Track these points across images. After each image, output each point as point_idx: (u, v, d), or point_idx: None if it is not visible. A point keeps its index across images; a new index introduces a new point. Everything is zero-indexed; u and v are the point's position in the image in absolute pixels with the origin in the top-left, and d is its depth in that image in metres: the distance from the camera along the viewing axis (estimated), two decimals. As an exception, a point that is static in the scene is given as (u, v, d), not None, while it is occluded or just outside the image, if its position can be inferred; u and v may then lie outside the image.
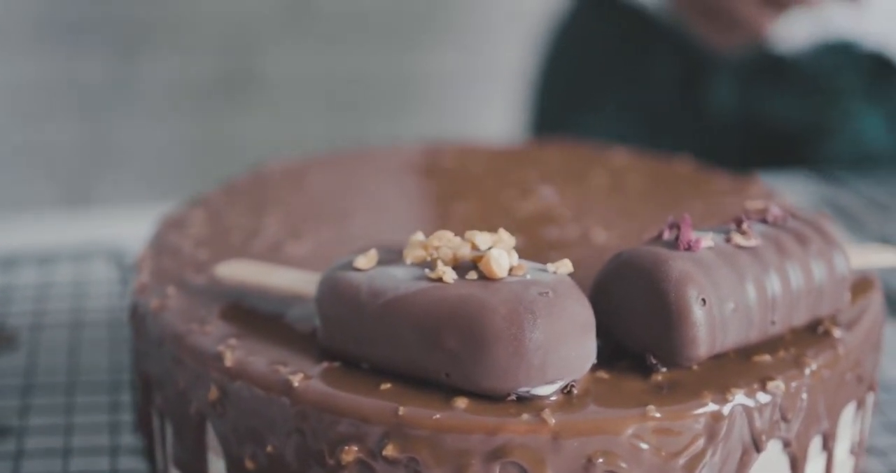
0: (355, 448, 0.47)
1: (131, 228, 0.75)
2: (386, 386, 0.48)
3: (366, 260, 0.50)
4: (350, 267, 0.50)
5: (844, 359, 0.52)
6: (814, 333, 0.53)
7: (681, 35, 1.03)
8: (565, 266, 0.49)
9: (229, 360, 0.50)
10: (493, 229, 0.51)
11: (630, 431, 0.46)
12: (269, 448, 0.49)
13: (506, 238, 0.49)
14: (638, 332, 0.49)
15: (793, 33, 1.00)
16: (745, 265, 0.50)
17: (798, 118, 1.03)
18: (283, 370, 0.49)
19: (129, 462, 0.61)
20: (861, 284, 0.57)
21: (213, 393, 0.50)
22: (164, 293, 0.56)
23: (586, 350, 0.47)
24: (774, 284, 0.50)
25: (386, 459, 0.46)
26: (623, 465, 0.46)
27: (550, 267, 0.49)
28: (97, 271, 0.80)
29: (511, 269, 0.48)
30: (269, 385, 0.49)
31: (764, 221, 0.53)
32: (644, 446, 0.46)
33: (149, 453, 0.58)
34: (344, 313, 0.49)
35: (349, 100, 1.79)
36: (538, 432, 0.46)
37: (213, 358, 0.50)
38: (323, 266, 0.53)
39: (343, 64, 1.77)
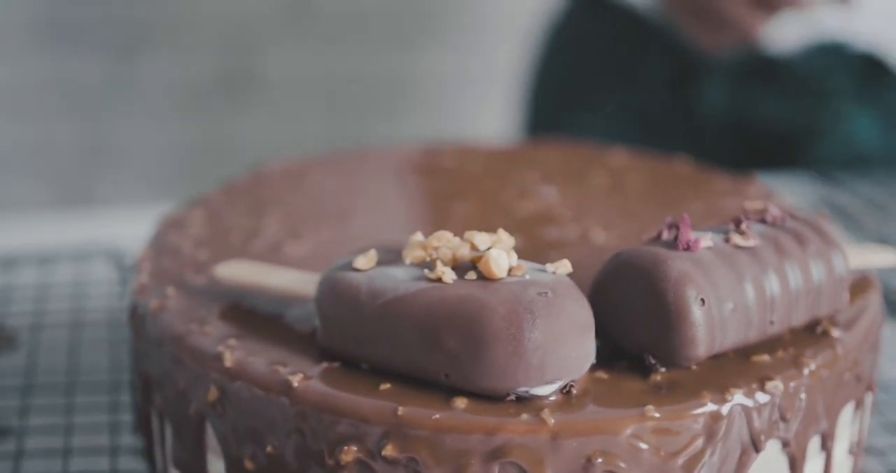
0: (355, 449, 0.47)
1: (131, 228, 0.75)
2: (385, 386, 0.48)
3: (365, 261, 0.50)
4: (349, 267, 0.50)
5: (843, 359, 0.52)
6: (812, 333, 0.53)
7: (672, 36, 1.03)
8: (564, 266, 0.49)
9: (229, 361, 0.50)
10: (492, 229, 0.51)
11: (629, 431, 0.46)
12: (268, 449, 0.49)
13: (505, 238, 0.50)
14: (637, 332, 0.49)
15: (784, 35, 1.00)
16: (744, 265, 0.50)
17: (789, 119, 1.03)
18: (282, 370, 0.49)
19: (128, 463, 0.61)
20: (859, 284, 0.57)
21: (213, 394, 0.50)
22: (164, 293, 0.56)
23: (585, 350, 0.47)
24: (773, 284, 0.50)
25: (385, 459, 0.46)
26: (622, 465, 0.46)
27: (549, 267, 0.49)
28: (97, 271, 0.80)
29: (510, 270, 0.48)
30: (269, 385, 0.49)
31: (763, 221, 0.53)
32: (643, 446, 0.46)
33: (148, 453, 0.58)
34: (343, 313, 0.49)
35: (349, 100, 1.79)
36: (537, 432, 0.46)
37: (212, 359, 0.51)
38: (322, 266, 0.53)
39: (343, 64, 1.77)
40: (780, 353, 0.51)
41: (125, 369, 0.68)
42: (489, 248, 0.49)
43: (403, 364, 0.48)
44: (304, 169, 0.71)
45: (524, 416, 0.46)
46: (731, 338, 0.49)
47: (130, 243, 0.78)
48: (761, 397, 0.49)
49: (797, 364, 0.50)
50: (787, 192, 0.73)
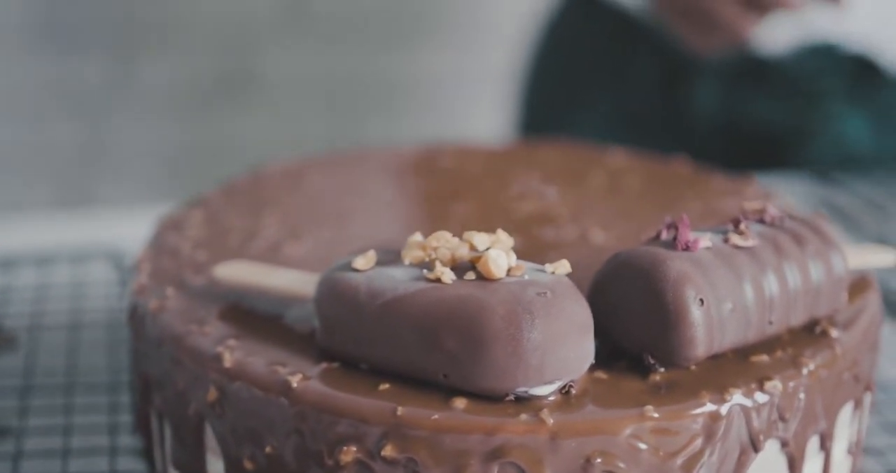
0: (354, 449, 0.47)
1: (130, 229, 0.75)
2: (384, 386, 0.48)
3: (364, 261, 0.50)
4: (349, 267, 0.50)
5: (842, 359, 0.52)
6: (811, 333, 0.53)
7: (663, 37, 1.03)
8: (563, 266, 0.49)
9: (228, 361, 0.50)
10: (491, 230, 0.51)
11: (628, 431, 0.46)
12: (267, 449, 0.49)
13: (504, 238, 0.50)
14: (636, 332, 0.49)
15: (774, 36, 1.00)
16: (743, 265, 0.50)
17: (780, 120, 1.03)
18: (281, 370, 0.49)
19: (128, 463, 0.61)
20: (858, 284, 0.57)
21: (212, 394, 0.50)
22: (163, 294, 0.56)
23: (584, 350, 0.47)
24: (772, 284, 0.50)
25: (384, 459, 0.46)
26: (621, 465, 0.46)
27: (549, 267, 0.49)
28: (96, 272, 0.80)
29: (509, 270, 0.48)
30: (268, 385, 0.49)
31: (761, 222, 0.53)
32: (642, 446, 0.47)
33: (148, 454, 0.58)
34: (343, 314, 0.49)
35: (348, 100, 1.79)
36: (536, 432, 0.46)
37: (211, 359, 0.51)
38: (322, 266, 0.53)
39: (342, 64, 1.77)
40: (779, 353, 0.51)
41: (124, 370, 0.68)
42: (488, 249, 0.49)
43: (402, 364, 0.48)
44: (304, 169, 0.71)
45: (523, 416, 0.46)
46: (729, 338, 0.49)
47: (130, 244, 0.78)
48: (760, 397, 0.49)
49: (796, 364, 0.50)
50: (785, 193, 0.73)
